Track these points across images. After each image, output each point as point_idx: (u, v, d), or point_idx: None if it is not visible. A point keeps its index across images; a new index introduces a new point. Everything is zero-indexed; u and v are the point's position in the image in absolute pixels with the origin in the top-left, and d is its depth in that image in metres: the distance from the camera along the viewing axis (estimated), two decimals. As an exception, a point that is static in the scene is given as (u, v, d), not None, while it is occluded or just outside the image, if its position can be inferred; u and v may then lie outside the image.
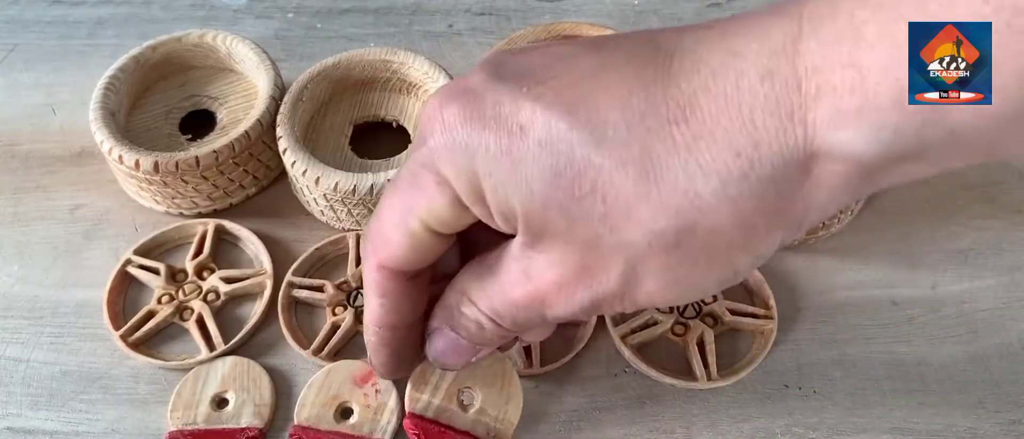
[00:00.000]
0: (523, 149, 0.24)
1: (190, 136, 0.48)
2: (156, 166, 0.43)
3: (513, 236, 0.28)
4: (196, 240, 0.44)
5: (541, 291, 0.27)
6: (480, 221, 0.28)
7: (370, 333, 0.33)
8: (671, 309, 0.41)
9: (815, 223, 0.25)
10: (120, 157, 0.43)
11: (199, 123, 0.49)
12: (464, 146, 0.25)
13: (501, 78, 0.26)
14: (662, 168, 0.23)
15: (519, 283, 0.28)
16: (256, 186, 0.47)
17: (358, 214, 0.43)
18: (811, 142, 0.22)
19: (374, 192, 0.42)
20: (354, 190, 0.41)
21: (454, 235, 0.29)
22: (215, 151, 0.43)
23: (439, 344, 0.32)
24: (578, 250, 0.25)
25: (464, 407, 0.37)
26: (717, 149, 0.23)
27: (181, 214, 0.46)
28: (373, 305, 0.31)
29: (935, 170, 0.23)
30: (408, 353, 0.34)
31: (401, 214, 0.28)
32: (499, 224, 0.27)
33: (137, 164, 0.43)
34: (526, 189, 0.25)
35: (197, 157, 0.43)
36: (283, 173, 0.47)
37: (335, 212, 0.44)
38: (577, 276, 0.26)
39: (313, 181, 0.42)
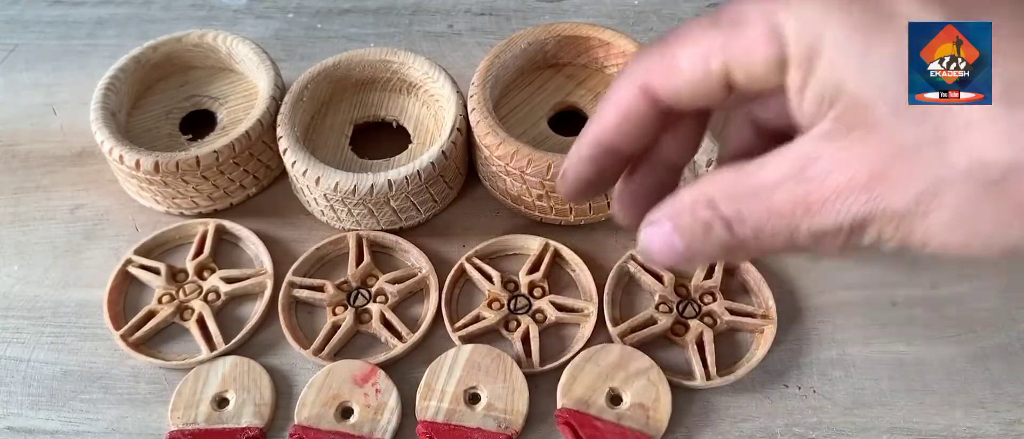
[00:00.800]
0: (884, 32, 0.24)
1: (190, 136, 0.48)
2: (156, 166, 0.43)
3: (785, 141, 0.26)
4: (196, 240, 0.44)
5: (815, 193, 0.25)
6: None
7: (585, 145, 0.31)
8: (670, 309, 0.41)
9: None
10: (121, 157, 0.43)
11: (199, 123, 0.49)
12: (824, 8, 0.24)
13: None
14: None
15: (788, 182, 0.26)
16: (256, 186, 0.47)
17: (358, 214, 0.43)
18: None
19: (374, 192, 0.42)
20: (354, 190, 0.41)
21: (724, 104, 0.28)
22: (215, 151, 0.43)
23: (655, 238, 0.30)
24: (886, 153, 0.24)
25: (472, 406, 0.37)
26: None
27: (181, 214, 0.46)
28: (606, 119, 0.30)
29: None
30: (600, 183, 0.33)
31: (707, 47, 0.26)
32: (805, 104, 0.26)
33: (138, 164, 0.43)
34: (869, 72, 0.24)
35: (197, 157, 0.43)
36: (283, 173, 0.47)
37: (335, 212, 0.44)
38: (868, 181, 0.24)
39: (313, 181, 0.42)
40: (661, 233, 0.30)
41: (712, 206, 0.28)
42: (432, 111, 0.48)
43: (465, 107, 0.45)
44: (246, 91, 0.50)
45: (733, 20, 0.26)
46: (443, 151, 0.43)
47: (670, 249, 0.30)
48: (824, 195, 0.25)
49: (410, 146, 0.46)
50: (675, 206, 0.30)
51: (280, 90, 0.47)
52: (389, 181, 0.42)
